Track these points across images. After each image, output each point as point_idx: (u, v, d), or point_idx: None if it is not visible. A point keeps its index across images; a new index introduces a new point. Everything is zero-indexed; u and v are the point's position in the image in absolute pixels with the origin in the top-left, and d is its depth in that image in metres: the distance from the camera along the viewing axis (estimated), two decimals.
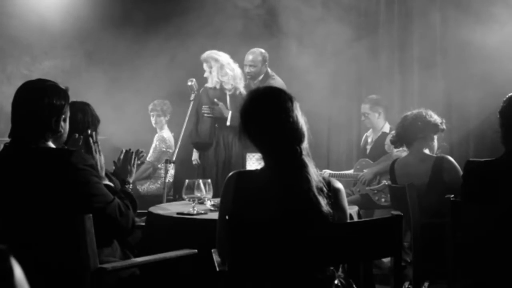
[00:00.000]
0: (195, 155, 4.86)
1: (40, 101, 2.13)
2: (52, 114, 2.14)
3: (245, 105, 2.01)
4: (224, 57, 4.57)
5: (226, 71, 4.54)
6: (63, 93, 2.20)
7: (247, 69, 4.76)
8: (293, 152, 1.91)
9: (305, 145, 1.94)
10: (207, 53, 4.60)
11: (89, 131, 2.43)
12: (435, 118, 3.44)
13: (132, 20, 5.92)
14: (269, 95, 2.00)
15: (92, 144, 2.42)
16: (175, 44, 5.45)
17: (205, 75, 4.63)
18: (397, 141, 3.55)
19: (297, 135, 1.93)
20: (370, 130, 4.98)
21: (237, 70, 4.62)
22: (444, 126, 3.46)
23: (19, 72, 5.71)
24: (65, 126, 2.23)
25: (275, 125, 1.93)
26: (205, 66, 4.61)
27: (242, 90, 4.58)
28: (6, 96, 4.01)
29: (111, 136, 4.76)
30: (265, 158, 1.97)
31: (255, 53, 4.78)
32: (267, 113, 1.95)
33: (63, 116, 2.19)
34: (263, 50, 4.82)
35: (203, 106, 4.62)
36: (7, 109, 2.28)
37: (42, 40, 5.81)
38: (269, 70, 4.84)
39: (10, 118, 2.19)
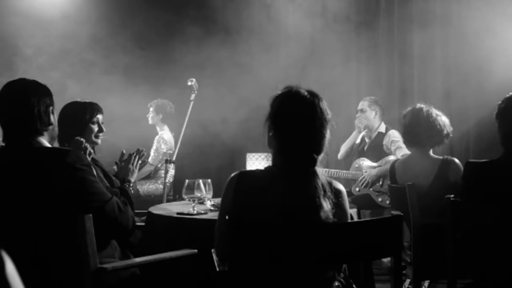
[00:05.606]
0: None
1: (25, 100, 2.14)
2: (39, 109, 2.15)
3: (285, 100, 1.97)
4: None
5: None
6: (45, 89, 2.22)
7: None
8: (311, 160, 1.92)
9: (320, 157, 1.96)
10: None
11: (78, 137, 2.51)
12: (447, 130, 3.36)
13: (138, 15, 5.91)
14: (312, 102, 1.95)
15: (82, 147, 2.47)
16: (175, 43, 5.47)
17: None
18: (403, 136, 3.51)
19: (320, 147, 1.95)
20: (366, 130, 4.95)
21: None
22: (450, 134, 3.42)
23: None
24: (53, 118, 2.24)
25: (306, 131, 1.93)
26: None
27: None
28: None
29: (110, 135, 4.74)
30: (278, 156, 1.96)
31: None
32: (304, 118, 1.94)
33: (51, 108, 2.20)
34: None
35: None
36: None
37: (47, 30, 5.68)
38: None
39: None
